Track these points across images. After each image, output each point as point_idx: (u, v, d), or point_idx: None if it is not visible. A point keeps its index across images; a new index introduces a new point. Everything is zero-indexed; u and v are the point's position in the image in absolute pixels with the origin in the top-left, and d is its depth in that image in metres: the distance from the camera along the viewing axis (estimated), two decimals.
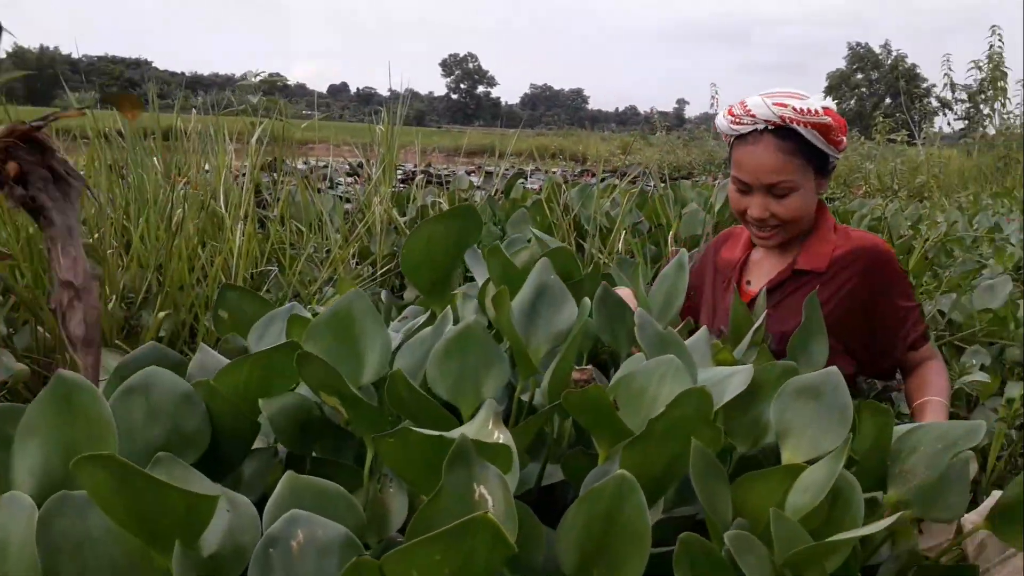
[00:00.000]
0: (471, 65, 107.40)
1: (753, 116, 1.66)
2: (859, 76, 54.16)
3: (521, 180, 4.18)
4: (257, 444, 1.03)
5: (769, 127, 1.66)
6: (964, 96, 13.01)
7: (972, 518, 1.06)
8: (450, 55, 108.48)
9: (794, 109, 1.64)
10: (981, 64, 11.84)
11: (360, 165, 4.43)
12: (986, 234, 4.11)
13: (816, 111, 1.64)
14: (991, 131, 11.52)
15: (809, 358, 1.36)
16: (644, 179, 5.32)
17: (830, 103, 1.68)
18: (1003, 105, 11.45)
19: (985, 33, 11.62)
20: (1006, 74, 11.52)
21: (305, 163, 5.21)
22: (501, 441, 0.86)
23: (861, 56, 54.20)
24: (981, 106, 12.03)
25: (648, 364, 1.03)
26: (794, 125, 1.64)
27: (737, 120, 1.69)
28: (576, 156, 20.45)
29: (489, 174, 8.11)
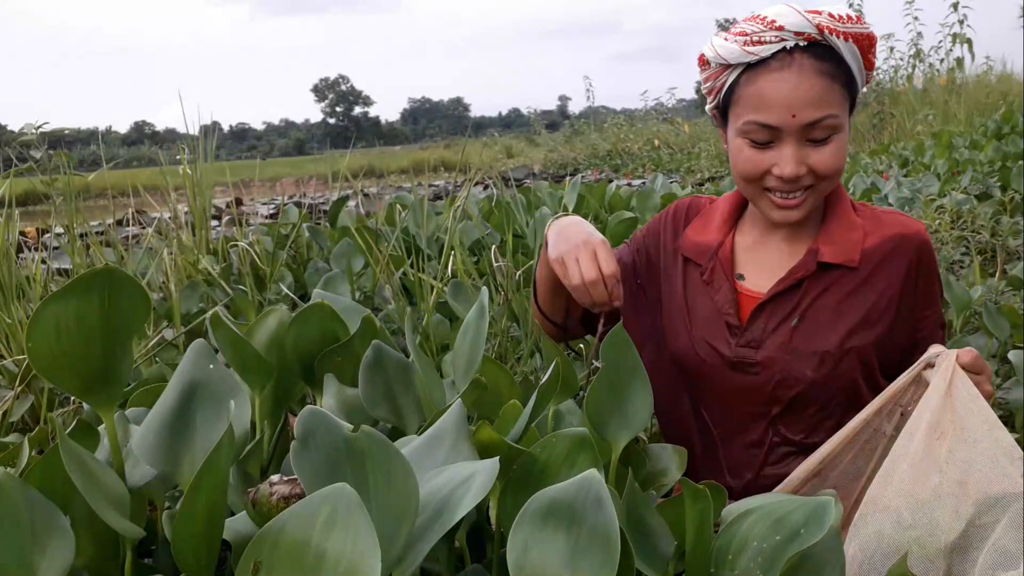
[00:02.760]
0: (344, 87, 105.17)
1: (781, 29, 1.17)
2: None
3: (350, 204, 3.66)
4: None
5: (801, 43, 1.17)
6: None
7: None
8: (320, 79, 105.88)
9: (831, 16, 1.18)
10: None
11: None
12: (863, 196, 3.86)
13: (860, 19, 1.20)
14: (863, 89, 11.62)
15: (624, 419, 1.04)
16: (490, 184, 4.88)
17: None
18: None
19: None
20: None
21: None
22: None
23: None
24: None
25: (309, 502, 0.64)
26: (834, 38, 1.17)
27: (754, 39, 1.18)
28: (458, 166, 20.01)
29: (367, 196, 7.67)
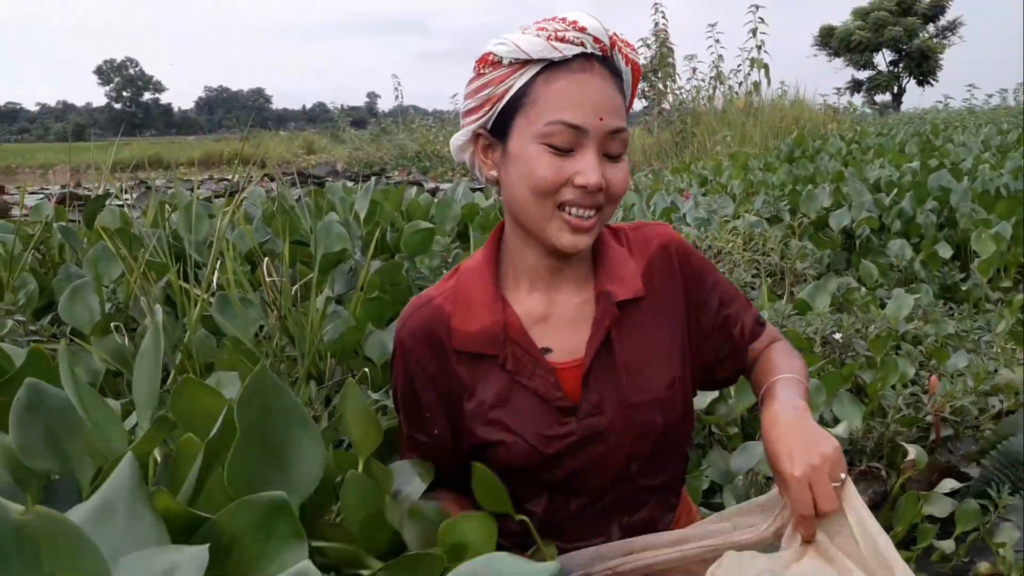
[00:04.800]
0: (132, 71, 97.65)
1: (583, 31, 1.07)
2: None
3: (115, 202, 3.25)
4: None
5: (597, 52, 1.09)
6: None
7: None
8: (105, 61, 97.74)
9: (618, 35, 1.11)
10: (649, 42, 12.42)
11: None
12: (662, 215, 3.95)
13: (633, 45, 1.14)
14: (667, 107, 12.13)
15: (288, 481, 0.89)
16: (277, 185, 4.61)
17: None
18: (673, 81, 12.12)
19: (649, 12, 12.21)
20: (672, 50, 12.18)
21: None
22: None
23: None
24: (656, 83, 12.63)
25: None
26: (619, 57, 1.11)
27: (558, 36, 1.06)
28: (255, 160, 19.07)
29: (149, 189, 7.02)
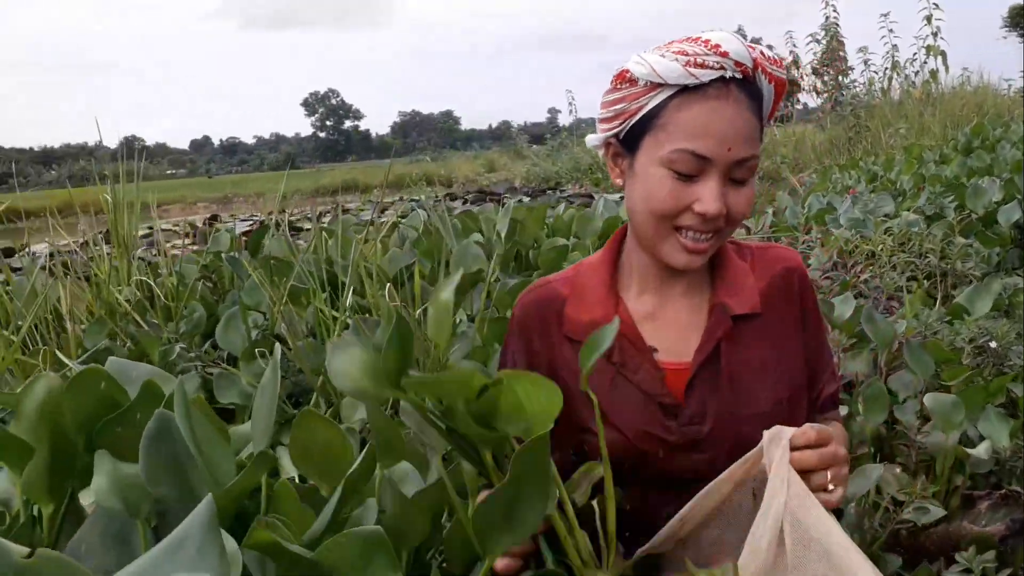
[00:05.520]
0: (334, 101, 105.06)
1: (725, 55, 1.06)
2: None
3: (285, 230, 3.51)
4: None
5: (738, 75, 1.07)
6: (810, 71, 13.09)
7: None
8: (310, 93, 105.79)
9: (764, 54, 1.09)
10: (819, 37, 11.88)
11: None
12: (816, 217, 3.73)
13: (779, 61, 1.11)
14: (839, 102, 11.53)
15: (511, 531, 0.90)
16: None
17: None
18: (844, 75, 11.49)
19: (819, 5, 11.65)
20: (843, 43, 11.57)
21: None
22: None
23: None
24: (827, 78, 12.05)
25: None
26: (763, 77, 1.09)
27: (696, 61, 1.06)
28: (442, 180, 19.95)
29: (347, 211, 7.53)
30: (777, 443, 0.95)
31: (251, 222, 8.38)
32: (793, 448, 0.96)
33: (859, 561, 0.87)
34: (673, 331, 1.19)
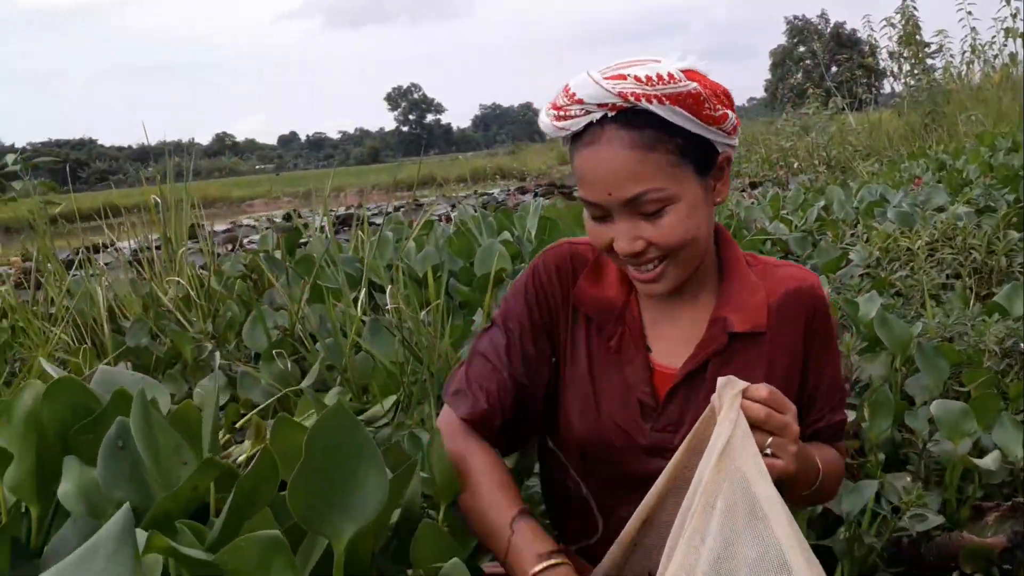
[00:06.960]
0: (416, 95, 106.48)
1: (581, 102, 1.04)
2: (802, 49, 54.20)
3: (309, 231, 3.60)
4: None
5: (609, 113, 1.04)
6: (885, 55, 12.60)
7: None
8: (393, 88, 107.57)
9: (637, 79, 1.02)
10: (894, 21, 11.43)
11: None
12: (866, 210, 3.60)
13: (673, 77, 1.04)
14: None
15: (347, 510, 0.93)
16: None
17: (694, 64, 1.09)
18: (920, 60, 11.02)
19: None
20: (920, 28, 11.11)
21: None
22: None
23: (800, 29, 54.58)
24: (903, 62, 11.58)
25: None
26: (643, 103, 1.02)
27: (562, 113, 1.07)
28: (515, 173, 19.99)
29: (420, 206, 7.61)
30: (731, 388, 0.96)
31: (335, 216, 8.53)
32: (746, 398, 0.96)
33: (779, 513, 0.88)
34: (672, 337, 1.20)
